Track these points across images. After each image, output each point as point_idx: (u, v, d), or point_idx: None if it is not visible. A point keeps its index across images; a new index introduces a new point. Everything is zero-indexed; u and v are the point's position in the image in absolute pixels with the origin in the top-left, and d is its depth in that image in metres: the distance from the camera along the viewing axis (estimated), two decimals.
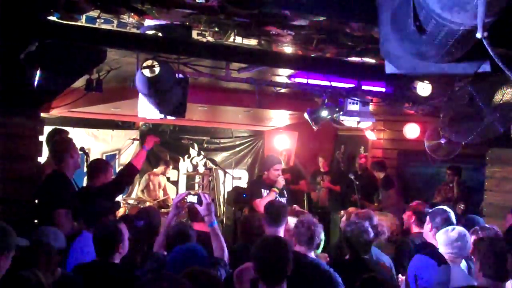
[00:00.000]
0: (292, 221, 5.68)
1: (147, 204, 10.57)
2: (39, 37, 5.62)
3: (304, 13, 5.45)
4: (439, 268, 4.16)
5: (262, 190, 8.02)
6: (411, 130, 10.54)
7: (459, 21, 2.71)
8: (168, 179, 12.24)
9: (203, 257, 4.38)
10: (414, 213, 6.62)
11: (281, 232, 5.56)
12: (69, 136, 7.74)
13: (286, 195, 8.23)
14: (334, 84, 7.86)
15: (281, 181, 7.97)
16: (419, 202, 6.88)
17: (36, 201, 6.43)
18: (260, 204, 7.59)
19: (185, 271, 3.65)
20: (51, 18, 5.62)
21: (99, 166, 6.88)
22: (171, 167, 12.20)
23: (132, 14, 5.95)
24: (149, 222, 5.91)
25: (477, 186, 9.81)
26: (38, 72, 5.92)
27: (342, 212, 9.74)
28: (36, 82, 5.95)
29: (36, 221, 6.26)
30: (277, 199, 7.82)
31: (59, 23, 5.70)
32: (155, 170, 11.78)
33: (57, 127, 8.37)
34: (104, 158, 12.04)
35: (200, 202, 5.39)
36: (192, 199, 5.47)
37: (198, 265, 4.02)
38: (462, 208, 9.22)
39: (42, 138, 7.00)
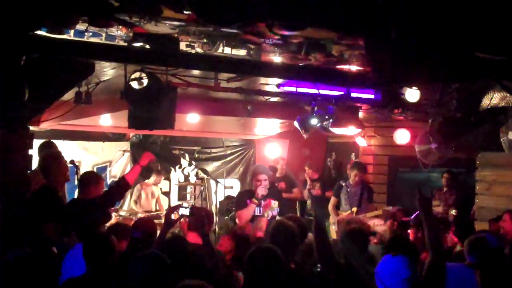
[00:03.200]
0: None
1: (139, 216, 10.54)
2: (27, 52, 5.62)
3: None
4: None
5: (248, 201, 7.77)
6: (401, 136, 10.55)
7: None
8: (160, 190, 12.21)
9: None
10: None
11: None
12: (58, 149, 7.72)
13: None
14: (323, 92, 7.88)
15: (260, 192, 7.71)
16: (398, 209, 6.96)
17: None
18: (241, 215, 7.63)
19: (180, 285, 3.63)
20: (38, 32, 5.62)
21: (91, 179, 6.79)
22: (163, 177, 12.17)
23: (121, 27, 5.97)
24: (146, 233, 5.88)
25: (468, 190, 9.82)
26: (26, 86, 5.91)
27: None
28: (24, 96, 5.93)
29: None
30: (259, 209, 7.71)
31: (47, 38, 5.70)
32: (146, 181, 11.75)
33: (46, 140, 8.36)
34: (95, 170, 12.03)
35: (192, 214, 5.40)
36: (184, 211, 5.48)
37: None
38: (454, 214, 9.22)
39: (32, 152, 6.96)
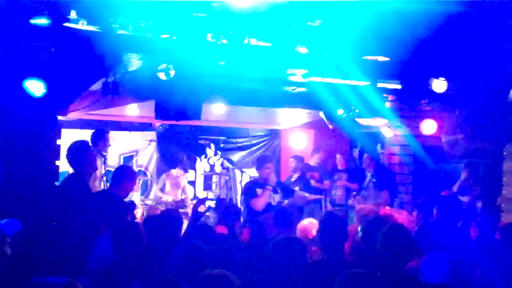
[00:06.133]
0: None
1: (163, 205, 10.62)
2: (58, 43, 5.69)
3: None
4: None
5: (257, 189, 8.19)
6: (428, 126, 10.45)
7: None
8: (186, 179, 12.28)
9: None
10: None
11: None
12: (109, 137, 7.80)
13: (279, 191, 8.53)
14: (349, 82, 7.85)
15: (272, 178, 8.17)
16: None
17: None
18: (257, 203, 7.91)
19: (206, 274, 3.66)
20: (67, 24, 5.70)
21: (125, 174, 6.73)
22: (187, 172, 12.19)
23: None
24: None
25: (495, 181, 9.72)
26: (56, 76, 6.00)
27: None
28: (54, 86, 6.02)
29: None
30: (271, 196, 8.21)
31: (77, 29, 5.77)
32: (172, 170, 11.82)
33: (99, 129, 8.61)
34: (121, 159, 12.17)
35: (218, 206, 5.46)
36: (211, 204, 5.55)
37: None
38: (480, 205, 9.14)
39: (60, 141, 7.04)
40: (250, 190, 8.36)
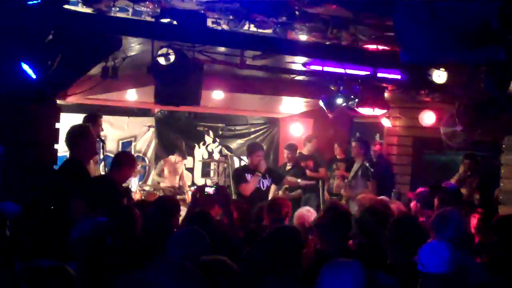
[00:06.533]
0: None
1: (161, 191, 10.63)
2: (57, 25, 5.67)
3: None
4: None
5: (246, 174, 8.51)
6: (427, 117, 10.46)
7: (474, 9, 2.71)
8: (183, 166, 12.28)
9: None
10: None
11: None
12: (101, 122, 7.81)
13: (268, 177, 8.72)
14: (349, 71, 7.84)
15: (262, 165, 8.51)
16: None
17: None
18: (246, 188, 8.30)
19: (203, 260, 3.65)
20: (67, 6, 5.67)
21: (126, 160, 6.75)
22: (185, 158, 12.19)
23: (148, 2, 5.99)
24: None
25: (492, 173, 9.73)
26: (55, 59, 5.97)
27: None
28: (52, 69, 5.99)
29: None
30: (261, 181, 8.47)
31: (76, 12, 5.75)
32: (170, 157, 11.82)
33: (92, 113, 8.68)
34: (120, 144, 12.18)
35: (218, 193, 5.46)
36: (210, 190, 5.55)
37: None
38: (477, 198, 9.15)
39: (59, 125, 7.03)
40: (239, 176, 8.68)
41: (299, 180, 10.35)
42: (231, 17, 6.49)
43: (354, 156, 10.60)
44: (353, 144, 10.62)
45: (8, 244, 4.06)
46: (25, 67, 5.74)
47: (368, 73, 7.85)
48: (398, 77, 8.08)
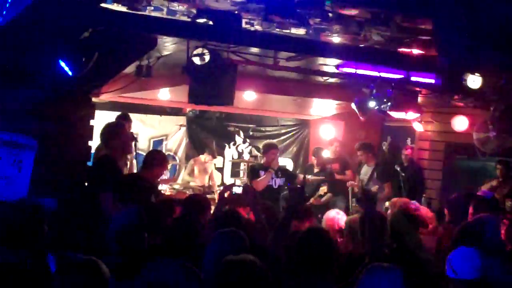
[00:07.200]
0: None
1: (191, 190, 10.68)
2: (93, 24, 5.74)
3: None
4: None
5: (260, 171, 8.82)
6: (460, 123, 10.36)
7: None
8: (213, 165, 12.33)
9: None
10: None
11: None
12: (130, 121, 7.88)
13: (280, 175, 8.93)
14: (382, 74, 7.80)
15: (276, 163, 8.84)
16: None
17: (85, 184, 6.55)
18: (258, 184, 8.48)
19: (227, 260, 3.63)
20: (104, 5, 5.74)
21: (157, 160, 6.76)
22: (215, 158, 12.22)
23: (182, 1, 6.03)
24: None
25: None
26: (92, 57, 6.04)
27: (387, 203, 9.74)
28: (88, 68, 6.07)
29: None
30: (273, 178, 8.72)
31: (113, 11, 5.81)
32: (200, 156, 11.88)
33: (123, 113, 8.82)
34: (151, 143, 12.29)
35: (246, 192, 5.48)
36: (238, 190, 5.58)
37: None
38: (509, 205, 9.02)
39: (93, 122, 7.12)
40: (253, 172, 8.95)
41: (308, 176, 10.48)
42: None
43: (366, 162, 10.55)
44: (358, 153, 10.63)
45: (45, 239, 4.12)
46: (62, 64, 5.83)
47: (402, 76, 7.80)
48: (432, 81, 8.00)
